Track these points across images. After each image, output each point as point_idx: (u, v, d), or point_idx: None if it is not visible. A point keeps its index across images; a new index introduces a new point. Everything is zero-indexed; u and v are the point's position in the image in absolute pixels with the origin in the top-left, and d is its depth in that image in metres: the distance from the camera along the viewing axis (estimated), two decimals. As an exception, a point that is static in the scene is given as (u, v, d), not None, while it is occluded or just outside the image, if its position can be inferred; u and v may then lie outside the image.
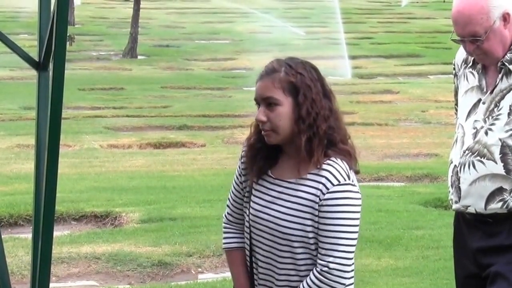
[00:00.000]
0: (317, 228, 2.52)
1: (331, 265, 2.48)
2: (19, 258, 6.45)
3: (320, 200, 2.51)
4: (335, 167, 2.52)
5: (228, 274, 6.01)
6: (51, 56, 2.78)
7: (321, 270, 2.50)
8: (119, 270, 6.30)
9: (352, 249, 2.50)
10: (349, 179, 2.51)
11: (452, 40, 3.14)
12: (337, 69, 21.39)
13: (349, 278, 2.52)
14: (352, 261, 2.52)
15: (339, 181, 2.50)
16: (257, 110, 2.60)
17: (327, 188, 2.50)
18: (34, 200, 3.01)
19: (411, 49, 26.74)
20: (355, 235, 2.51)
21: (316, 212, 2.52)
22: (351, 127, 13.42)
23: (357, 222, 2.50)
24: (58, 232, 7.44)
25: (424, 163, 10.76)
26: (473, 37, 3.03)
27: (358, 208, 2.51)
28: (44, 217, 2.78)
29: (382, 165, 10.56)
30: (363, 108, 15.79)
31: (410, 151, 11.67)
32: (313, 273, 2.52)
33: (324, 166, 2.53)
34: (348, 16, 35.79)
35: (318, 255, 2.51)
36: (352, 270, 2.54)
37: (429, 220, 7.58)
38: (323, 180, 2.51)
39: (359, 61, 24.28)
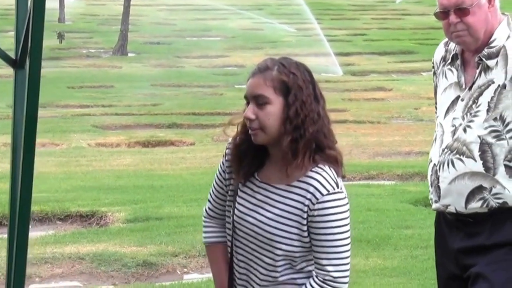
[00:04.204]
0: (306, 236, 2.52)
1: (335, 274, 2.51)
2: (2, 259, 6.35)
3: (310, 210, 2.50)
4: (323, 175, 2.51)
5: (214, 275, 5.93)
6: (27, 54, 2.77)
7: (324, 279, 2.52)
8: (103, 270, 6.23)
9: (349, 254, 2.54)
10: (337, 187, 2.51)
11: (435, 14, 3.07)
12: (328, 66, 21.33)
13: (347, 282, 2.56)
14: (350, 265, 2.55)
15: (328, 191, 2.50)
16: (245, 108, 2.56)
17: (317, 198, 2.49)
18: (10, 199, 2.98)
19: (404, 45, 26.68)
20: (349, 240, 2.54)
21: (304, 221, 2.51)
22: (343, 125, 13.51)
23: (348, 227, 2.53)
24: (43, 232, 7.37)
25: (416, 161, 10.68)
26: (458, 6, 2.98)
27: (347, 214, 2.53)
28: (20, 217, 2.76)
29: (373, 164, 10.49)
30: (355, 106, 15.74)
31: (401, 149, 11.61)
32: (316, 282, 2.53)
33: (312, 174, 2.51)
34: (342, 12, 35.76)
35: (317, 265, 2.53)
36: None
37: (419, 219, 7.51)
38: (311, 189, 2.50)
39: (352, 58, 24.23)
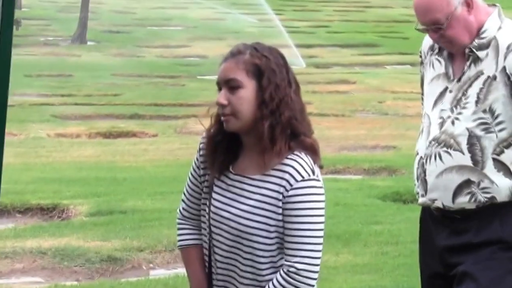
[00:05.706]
0: (282, 227, 2.43)
1: (299, 266, 2.39)
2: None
3: (284, 197, 2.42)
4: (299, 161, 2.43)
5: (180, 271, 5.79)
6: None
7: (287, 271, 2.40)
8: (66, 265, 6.06)
9: (319, 247, 2.42)
10: (313, 174, 2.43)
11: (416, 29, 3.04)
12: (291, 58, 21.22)
13: (316, 279, 2.42)
14: (320, 260, 2.42)
15: (303, 177, 2.41)
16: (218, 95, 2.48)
17: (291, 185, 2.41)
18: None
19: (367, 38, 26.68)
20: (321, 233, 2.42)
21: (279, 210, 2.42)
22: (307, 118, 13.44)
23: (322, 219, 2.42)
24: (2, 225, 7.20)
25: (382, 155, 10.65)
26: (434, 24, 2.94)
27: (322, 204, 2.42)
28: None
29: (339, 157, 10.42)
30: (318, 98, 15.68)
31: (367, 143, 11.57)
32: (280, 274, 2.42)
33: (288, 161, 2.44)
34: (304, 4, 35.72)
35: (285, 255, 2.42)
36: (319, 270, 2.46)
37: (387, 214, 7.46)
38: (287, 176, 2.42)
39: (314, 50, 24.17)
